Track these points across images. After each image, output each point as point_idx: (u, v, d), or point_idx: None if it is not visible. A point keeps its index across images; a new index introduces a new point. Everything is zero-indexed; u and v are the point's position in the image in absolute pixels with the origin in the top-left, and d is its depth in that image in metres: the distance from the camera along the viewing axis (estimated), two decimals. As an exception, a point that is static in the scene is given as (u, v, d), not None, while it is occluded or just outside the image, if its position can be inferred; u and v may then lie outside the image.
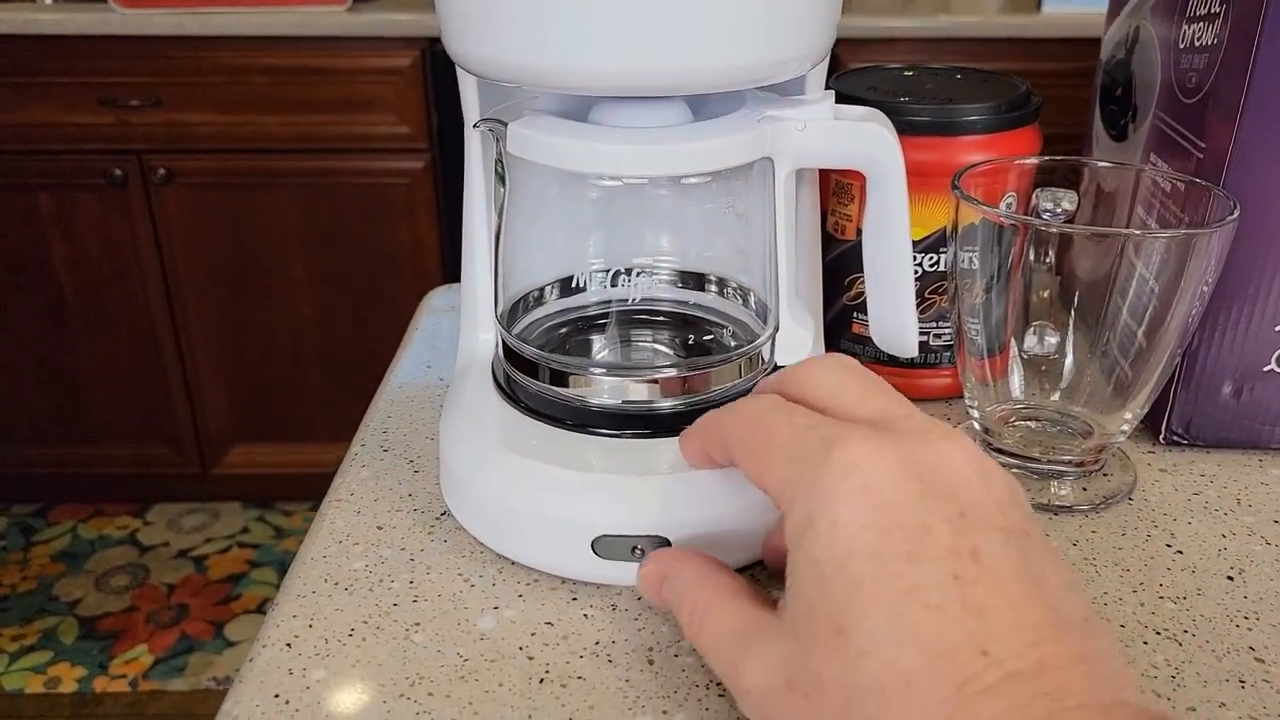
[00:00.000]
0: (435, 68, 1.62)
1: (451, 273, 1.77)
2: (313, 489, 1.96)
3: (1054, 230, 0.42)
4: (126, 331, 1.79)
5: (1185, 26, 0.47)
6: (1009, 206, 0.48)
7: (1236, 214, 0.40)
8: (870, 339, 0.46)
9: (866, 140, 0.39)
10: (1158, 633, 0.37)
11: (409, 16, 1.58)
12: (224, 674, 1.61)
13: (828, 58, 0.41)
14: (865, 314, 0.47)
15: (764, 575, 0.41)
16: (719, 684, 0.35)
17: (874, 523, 0.25)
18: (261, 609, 1.75)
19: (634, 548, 0.38)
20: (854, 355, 0.53)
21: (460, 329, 0.48)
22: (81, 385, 1.84)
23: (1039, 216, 0.48)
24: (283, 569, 1.83)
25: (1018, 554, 0.25)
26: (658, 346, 0.46)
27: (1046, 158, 0.47)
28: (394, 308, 1.77)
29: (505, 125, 0.39)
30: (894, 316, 0.43)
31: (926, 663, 0.23)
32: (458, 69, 0.42)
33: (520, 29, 0.34)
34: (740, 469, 0.32)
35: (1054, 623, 0.24)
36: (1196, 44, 0.45)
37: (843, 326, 0.53)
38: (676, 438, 0.41)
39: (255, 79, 1.62)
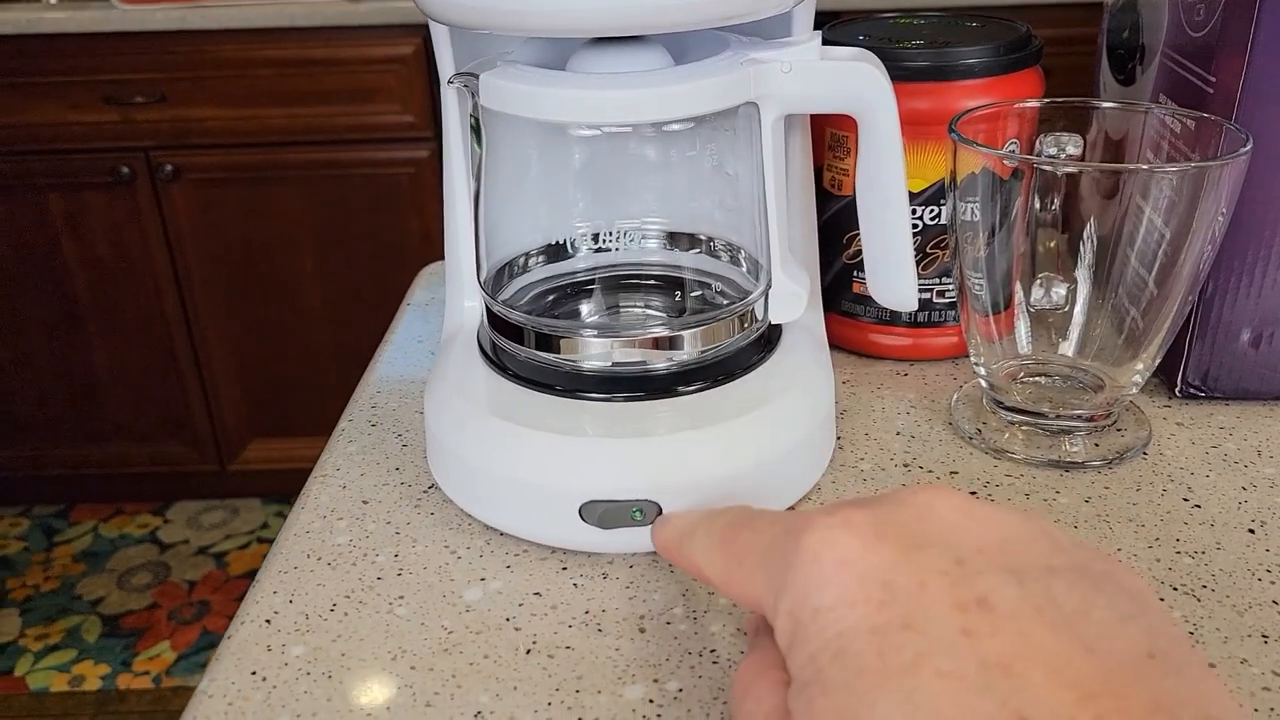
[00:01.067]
0: (438, 54, 1.61)
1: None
2: (330, 482, 1.96)
3: (1060, 172, 0.40)
4: (140, 329, 1.79)
5: (1192, -43, 0.45)
6: (1012, 154, 0.46)
7: (1249, 147, 0.38)
8: (871, 298, 0.44)
9: (856, 80, 0.37)
10: (1175, 589, 0.35)
11: (410, 4, 1.57)
12: (246, 668, 1.62)
13: (813, -2, 0.39)
14: (864, 271, 0.45)
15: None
16: (712, 651, 0.34)
17: (860, 595, 0.22)
18: (282, 603, 1.75)
19: (636, 511, 0.37)
20: (855, 316, 0.51)
21: (446, 298, 0.47)
22: (98, 385, 1.84)
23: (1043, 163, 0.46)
24: (302, 563, 1.84)
25: (1040, 594, 0.21)
26: (649, 311, 0.45)
27: (1049, 100, 0.45)
28: (403, 295, 1.76)
29: (479, 78, 0.37)
30: (891, 269, 0.41)
31: None
32: (430, 25, 0.41)
33: (485, -29, 0.33)
34: (723, 595, 0.29)
35: (1103, 671, 0.20)
36: (1204, -26, 0.43)
37: (843, 286, 0.51)
38: (670, 399, 0.40)
39: (259, 72, 1.62)
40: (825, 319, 0.49)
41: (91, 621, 1.73)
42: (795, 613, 0.23)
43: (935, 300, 0.50)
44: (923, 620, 0.21)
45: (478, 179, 0.42)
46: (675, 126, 0.38)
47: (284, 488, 1.99)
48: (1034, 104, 0.45)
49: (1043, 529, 0.24)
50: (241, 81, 1.62)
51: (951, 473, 0.42)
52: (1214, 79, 0.42)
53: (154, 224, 1.71)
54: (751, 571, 0.25)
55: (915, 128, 0.45)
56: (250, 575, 1.82)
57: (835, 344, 0.51)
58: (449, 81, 0.41)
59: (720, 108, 0.37)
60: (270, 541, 1.89)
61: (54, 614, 1.75)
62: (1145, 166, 0.39)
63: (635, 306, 0.45)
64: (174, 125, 1.65)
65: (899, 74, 0.44)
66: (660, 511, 0.37)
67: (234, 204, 1.70)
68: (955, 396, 0.48)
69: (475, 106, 0.39)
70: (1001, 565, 0.22)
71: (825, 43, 0.40)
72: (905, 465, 0.43)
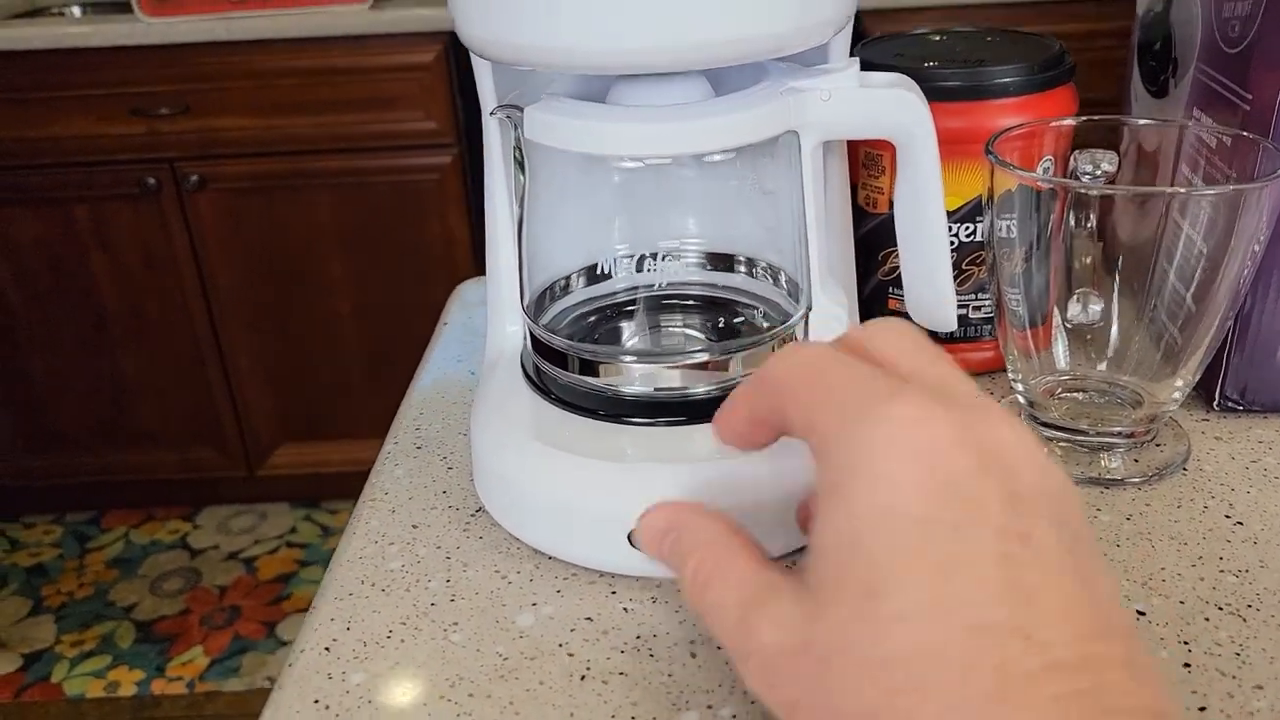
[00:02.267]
0: (459, 61, 1.62)
1: (483, 265, 1.76)
2: (358, 486, 1.97)
3: (1094, 193, 0.41)
4: (168, 337, 1.81)
5: (1226, -27, 0.45)
6: (1046, 171, 0.46)
7: (1289, 167, 0.38)
8: (908, 315, 0.44)
9: (894, 107, 0.38)
10: (1220, 608, 0.36)
11: (431, 11, 1.58)
12: (277, 673, 1.63)
13: (850, 24, 0.40)
14: (901, 289, 0.46)
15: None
16: (763, 675, 0.34)
17: (927, 485, 0.23)
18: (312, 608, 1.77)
19: (672, 538, 0.37)
20: (891, 332, 0.51)
21: (488, 322, 0.48)
22: (127, 393, 1.86)
23: (1078, 179, 0.47)
24: (331, 567, 1.85)
25: (1069, 551, 0.23)
26: (688, 331, 0.45)
27: (1084, 118, 0.45)
28: (430, 301, 1.77)
29: (522, 111, 0.38)
30: (931, 290, 0.42)
31: (965, 639, 0.22)
32: (472, 56, 0.42)
33: (533, 9, 0.33)
34: (785, 415, 0.28)
35: (1103, 624, 0.22)
36: (1239, -9, 0.43)
37: (879, 302, 0.51)
38: (711, 424, 0.40)
39: (282, 81, 1.63)
40: (861, 336, 0.49)
41: (125, 627, 1.75)
42: (856, 470, 0.24)
43: (971, 315, 0.50)
44: (970, 533, 0.23)
45: (521, 206, 0.42)
46: (716, 157, 0.39)
47: (311, 492, 2.01)
48: (1069, 122, 0.45)
49: (1075, 495, 0.26)
50: (265, 91, 1.64)
51: (992, 490, 0.43)
52: (1250, 95, 0.43)
53: (180, 233, 1.73)
54: (831, 402, 0.26)
55: (951, 146, 0.46)
56: (280, 580, 1.84)
57: (871, 359, 0.52)
58: (491, 113, 0.41)
59: (760, 138, 0.37)
60: (299, 546, 1.91)
61: (89, 620, 1.77)
62: (1182, 190, 0.40)
63: (675, 328, 0.45)
64: (199, 136, 1.66)
65: (934, 94, 0.45)
66: (708, 537, 0.37)
67: (259, 212, 1.72)
68: (993, 412, 0.48)
69: (518, 137, 0.40)
70: (1050, 515, 0.24)
71: (862, 63, 0.41)
72: (946, 483, 0.44)
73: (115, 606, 1.80)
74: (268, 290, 1.78)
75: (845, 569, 0.23)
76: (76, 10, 1.96)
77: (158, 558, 1.91)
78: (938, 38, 0.52)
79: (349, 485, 2.01)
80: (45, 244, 1.74)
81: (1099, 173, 0.47)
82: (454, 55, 1.62)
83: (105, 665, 1.67)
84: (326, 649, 0.36)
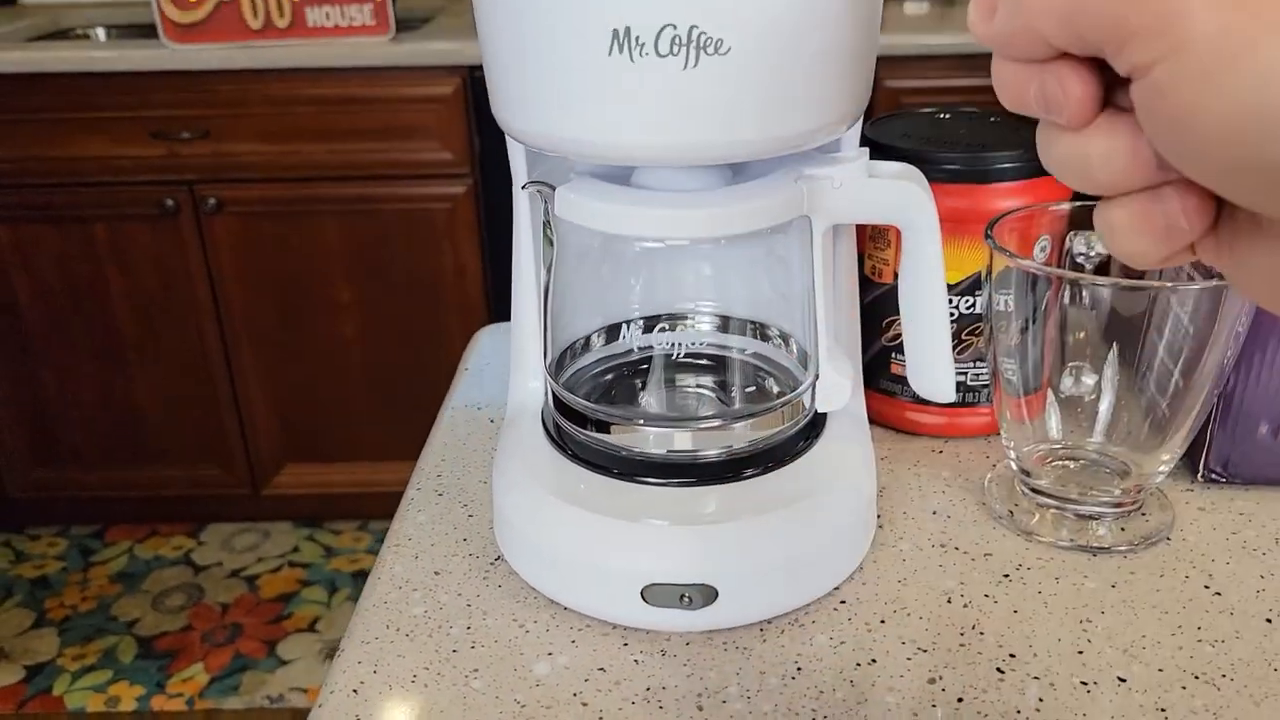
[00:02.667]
0: (477, 94, 1.65)
1: (492, 293, 1.79)
2: (361, 508, 2.00)
3: (1085, 282, 0.43)
4: (179, 356, 1.84)
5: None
6: (1043, 250, 0.49)
7: (1268, 263, 0.40)
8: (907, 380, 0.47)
9: (900, 198, 0.41)
10: (1196, 677, 0.38)
11: (451, 45, 1.61)
12: (277, 692, 1.65)
13: (861, 117, 0.43)
14: (903, 355, 0.48)
15: (793, 627, 0.42)
16: (766, 729, 0.36)
17: None
18: (312, 627, 1.78)
19: (682, 595, 0.40)
20: (892, 395, 0.54)
21: (510, 377, 0.50)
22: (137, 409, 1.89)
23: (1073, 259, 0.49)
24: (332, 587, 1.87)
25: None
26: (701, 391, 0.48)
27: (1079, 203, 0.48)
28: (437, 328, 1.80)
29: (553, 189, 0.41)
30: (930, 364, 0.44)
31: None
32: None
33: (565, 105, 0.36)
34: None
35: None
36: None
37: (882, 366, 0.54)
38: (723, 485, 0.43)
39: (301, 109, 1.66)
40: (866, 396, 0.51)
41: (127, 642, 1.76)
42: None
43: (970, 382, 0.52)
44: None
45: (548, 273, 0.45)
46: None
47: (315, 512, 2.03)
48: (1065, 206, 0.48)
49: None
50: (284, 118, 1.67)
51: (986, 555, 0.45)
52: (1236, 189, 0.45)
53: (196, 255, 1.76)
54: None
55: (953, 224, 0.49)
56: (281, 599, 1.85)
57: (874, 420, 0.54)
58: (523, 187, 0.44)
59: (774, 223, 0.40)
60: (301, 565, 1.93)
61: (91, 634, 1.79)
62: (1168, 284, 0.42)
63: (689, 389, 0.48)
64: (218, 160, 1.69)
65: (938, 176, 0.47)
66: (716, 596, 0.40)
67: (274, 236, 1.75)
68: (989, 476, 0.51)
69: (547, 210, 0.42)
70: None
71: (871, 143, 0.43)
72: (941, 546, 0.46)
73: (118, 621, 1.81)
74: (279, 312, 1.81)
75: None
76: (101, 33, 2.00)
77: (161, 573, 1.93)
78: (943, 116, 0.55)
79: (352, 506, 2.03)
80: (63, 261, 1.77)
81: (1093, 253, 0.49)
82: (471, 88, 1.65)
83: (106, 680, 1.69)
84: (354, 691, 0.39)
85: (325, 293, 1.79)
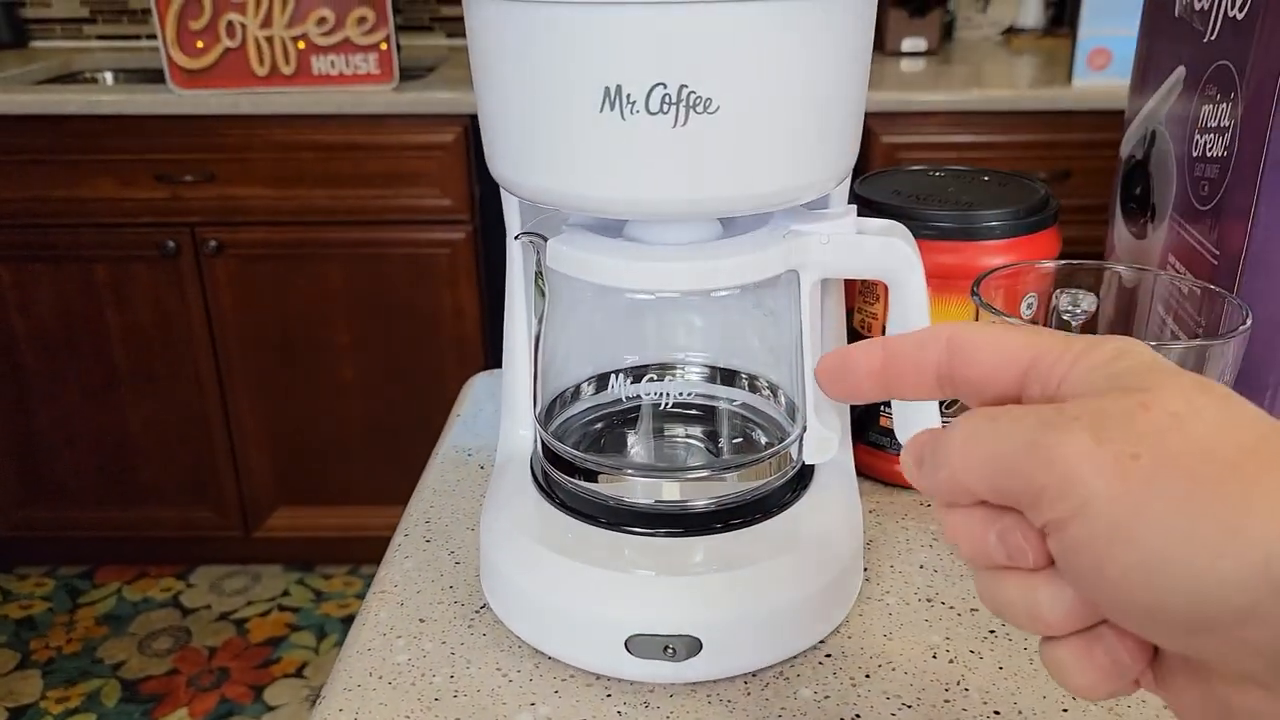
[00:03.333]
0: (477, 142, 1.67)
1: (490, 339, 1.80)
2: (353, 552, 1.99)
3: (1072, 336, 0.44)
4: (175, 397, 1.84)
5: (1198, 137, 0.48)
6: (1029, 308, 0.49)
7: (1249, 324, 0.41)
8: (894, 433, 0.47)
9: (886, 254, 0.41)
10: (1180, 737, 0.38)
11: (453, 94, 1.64)
12: (262, 739, 1.62)
13: (850, 174, 0.43)
14: (891, 407, 0.48)
15: (775, 681, 0.42)
16: (747, 784, 0.36)
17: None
18: (300, 673, 1.76)
19: (666, 647, 0.40)
20: (881, 448, 0.54)
21: (501, 425, 0.50)
22: (130, 449, 1.88)
23: (1059, 316, 0.50)
24: (322, 633, 1.85)
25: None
26: (690, 441, 0.48)
27: (1064, 262, 0.48)
28: (435, 373, 1.81)
29: (545, 240, 0.41)
30: (918, 417, 0.45)
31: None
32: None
33: (558, 160, 0.37)
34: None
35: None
36: (1209, 155, 0.47)
37: (871, 419, 0.54)
38: (709, 536, 0.43)
39: (304, 155, 1.68)
40: (854, 449, 0.52)
41: (111, 685, 1.74)
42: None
43: (957, 437, 0.53)
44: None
45: (540, 323, 0.45)
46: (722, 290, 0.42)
47: (306, 556, 2.02)
48: (1051, 265, 0.48)
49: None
50: (287, 164, 1.69)
51: (972, 610, 0.45)
52: (1218, 251, 0.46)
53: (195, 296, 1.77)
54: (1092, 371, 0.24)
55: (941, 280, 0.49)
56: (270, 643, 1.84)
57: (862, 473, 0.54)
58: (515, 237, 0.45)
59: (764, 277, 0.40)
60: (291, 610, 1.92)
61: (75, 677, 1.77)
62: (1153, 343, 0.43)
63: (678, 438, 0.48)
64: (220, 203, 1.71)
65: (926, 233, 0.48)
66: (700, 647, 0.40)
67: (274, 279, 1.76)
68: (975, 531, 0.51)
69: (539, 261, 0.43)
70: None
71: (860, 199, 0.44)
72: (928, 600, 0.46)
73: (103, 664, 1.80)
74: (276, 355, 1.81)
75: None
76: (109, 77, 2.03)
77: (149, 615, 1.91)
78: (933, 174, 0.56)
79: (343, 550, 2.02)
80: (62, 300, 1.78)
81: (1079, 310, 0.50)
82: (473, 136, 1.67)
83: (89, 723, 1.67)
84: (335, 739, 0.38)
85: (323, 336, 1.80)
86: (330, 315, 1.78)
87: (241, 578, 2.00)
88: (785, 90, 0.35)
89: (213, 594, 1.96)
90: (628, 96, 0.34)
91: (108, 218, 1.72)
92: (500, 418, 0.51)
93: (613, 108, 0.34)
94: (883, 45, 1.94)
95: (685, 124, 0.34)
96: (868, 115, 0.44)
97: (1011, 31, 2.11)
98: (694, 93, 0.34)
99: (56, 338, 1.80)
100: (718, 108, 0.34)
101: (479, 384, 0.68)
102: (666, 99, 0.34)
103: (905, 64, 1.88)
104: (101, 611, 1.92)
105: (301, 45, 1.64)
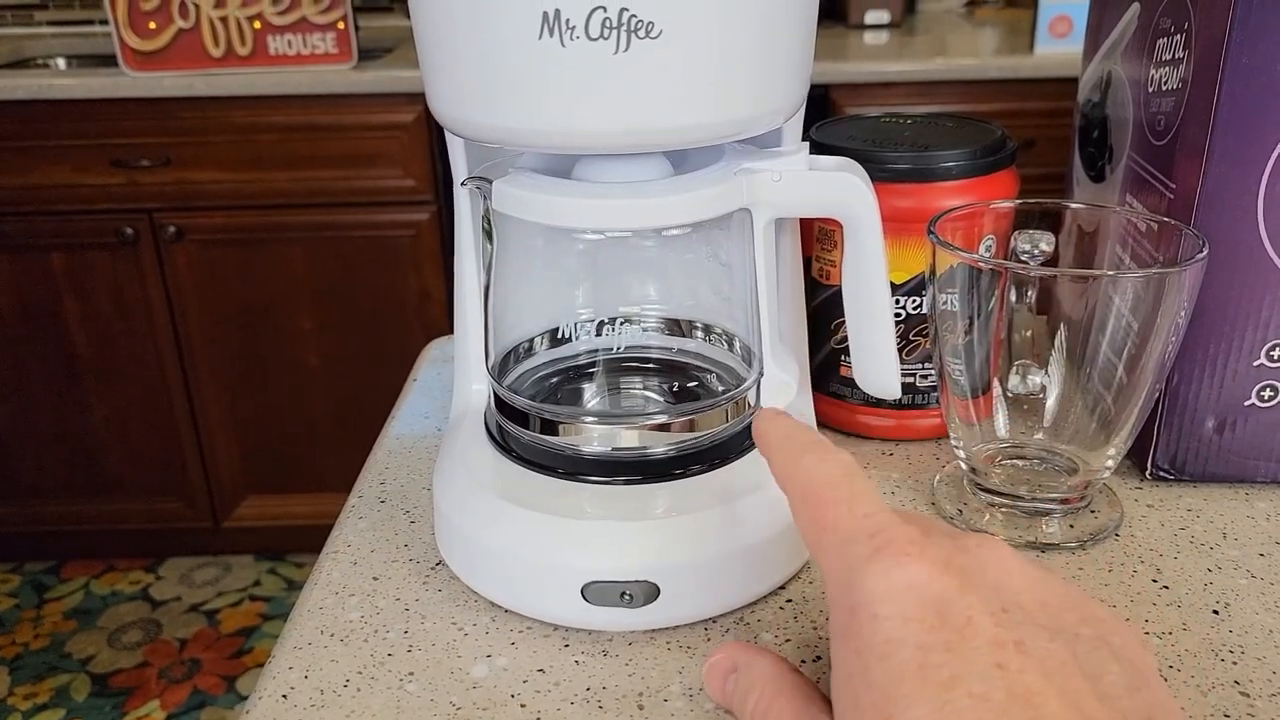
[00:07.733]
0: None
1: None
2: (323, 540, 1.96)
3: (1031, 274, 0.43)
4: (138, 387, 1.81)
5: (1153, 70, 0.48)
6: (988, 250, 0.49)
7: (1205, 252, 0.40)
8: (855, 381, 0.46)
9: (840, 189, 0.40)
10: (1143, 668, 0.37)
11: (414, 73, 1.62)
12: (236, 729, 1.61)
13: (802, 110, 0.43)
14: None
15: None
16: (707, 727, 0.35)
17: (916, 615, 0.26)
18: (273, 662, 1.75)
19: (623, 593, 0.39)
20: (842, 398, 0.54)
21: (454, 382, 0.49)
22: (94, 441, 1.85)
23: (1017, 258, 0.49)
24: (294, 621, 1.84)
25: (1066, 651, 0.25)
26: (647, 393, 0.47)
27: (1021, 201, 0.48)
28: (402, 356, 1.78)
29: (491, 183, 0.40)
30: (875, 360, 0.44)
31: None
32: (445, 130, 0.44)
33: (496, 91, 0.36)
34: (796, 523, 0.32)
35: (1111, 715, 0.24)
36: (1164, 88, 0.47)
37: (831, 369, 0.54)
38: (668, 483, 0.42)
39: (263, 137, 1.66)
40: (815, 400, 0.51)
41: (80, 680, 1.72)
42: (856, 611, 0.27)
43: (919, 384, 0.52)
44: (964, 649, 0.25)
45: (488, 272, 0.44)
46: (674, 229, 0.41)
47: (277, 545, 2.00)
48: (1008, 204, 0.48)
49: (1077, 599, 0.28)
50: (246, 146, 1.66)
51: (934, 553, 0.45)
52: (1174, 184, 0.46)
53: (156, 284, 1.74)
54: (833, 549, 0.29)
55: (899, 224, 0.49)
56: (242, 633, 1.82)
57: (824, 424, 0.54)
58: (462, 183, 0.44)
59: (715, 215, 0.40)
60: (263, 599, 1.90)
61: (43, 672, 1.74)
62: (1110, 272, 0.42)
63: (635, 389, 0.47)
64: (178, 188, 1.68)
65: (883, 175, 0.48)
66: (658, 593, 0.39)
67: (235, 264, 1.74)
68: (938, 477, 0.50)
69: (487, 207, 0.42)
70: (1040, 622, 0.26)
71: (815, 144, 0.43)
72: (890, 545, 0.45)
73: (71, 658, 1.77)
74: (240, 342, 1.79)
75: (862, 702, 0.26)
76: (61, 62, 1.99)
77: (118, 609, 1.89)
78: (887, 121, 0.55)
79: (314, 538, 2.00)
80: (19, 290, 1.74)
81: (1037, 251, 0.49)
82: (433, 116, 1.66)
83: (59, 719, 1.64)
84: (284, 696, 0.37)
85: (288, 321, 1.77)
86: (294, 300, 1.76)
87: (212, 569, 1.98)
88: (731, 15, 0.34)
89: (183, 585, 1.94)
90: (566, 21, 0.33)
91: (63, 205, 1.69)
92: (454, 376, 0.50)
93: (551, 34, 0.33)
94: (846, 17, 1.94)
95: (627, 49, 0.33)
96: (831, 87, 0.44)
97: (974, 4, 2.11)
98: (635, 16, 0.33)
99: (15, 330, 1.77)
100: (660, 32, 0.33)
101: (436, 349, 0.67)
102: (607, 23, 0.33)
103: (869, 36, 1.88)
104: (69, 606, 1.90)
105: (257, 25, 1.61)
